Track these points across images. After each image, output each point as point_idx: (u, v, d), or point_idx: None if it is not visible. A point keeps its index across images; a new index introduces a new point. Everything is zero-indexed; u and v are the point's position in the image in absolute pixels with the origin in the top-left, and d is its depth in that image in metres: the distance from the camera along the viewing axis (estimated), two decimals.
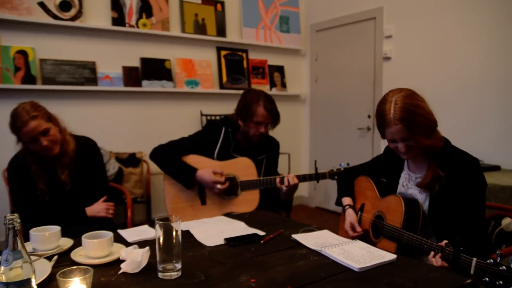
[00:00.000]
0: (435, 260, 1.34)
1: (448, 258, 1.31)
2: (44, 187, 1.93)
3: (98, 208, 2.02)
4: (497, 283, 1.11)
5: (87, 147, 2.10)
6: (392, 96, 1.50)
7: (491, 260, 1.14)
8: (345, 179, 2.00)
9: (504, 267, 1.10)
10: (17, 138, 1.89)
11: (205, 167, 2.29)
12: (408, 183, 1.68)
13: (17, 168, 1.95)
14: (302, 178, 2.30)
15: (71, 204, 1.99)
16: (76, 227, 1.75)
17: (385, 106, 1.50)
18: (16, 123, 1.82)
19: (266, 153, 2.45)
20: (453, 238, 1.33)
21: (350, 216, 1.80)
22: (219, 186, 2.22)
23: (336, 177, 2.27)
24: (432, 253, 1.38)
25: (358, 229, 1.75)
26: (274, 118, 2.30)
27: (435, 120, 1.50)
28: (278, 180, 2.25)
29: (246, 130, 2.31)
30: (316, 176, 2.32)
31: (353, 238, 1.69)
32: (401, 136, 1.48)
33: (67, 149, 1.97)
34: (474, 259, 1.20)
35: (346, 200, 1.89)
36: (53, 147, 1.90)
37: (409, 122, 1.44)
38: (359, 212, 1.85)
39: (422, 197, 1.61)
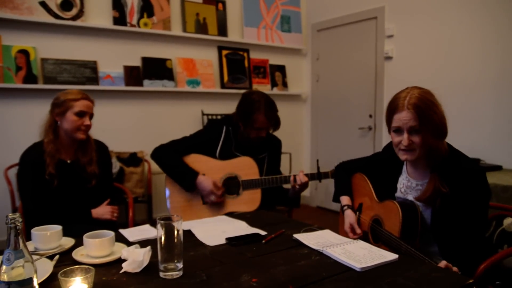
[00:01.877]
0: None
1: None
2: (53, 171, 1.92)
3: (103, 211, 2.04)
4: None
5: (100, 151, 2.13)
6: (411, 89, 1.49)
7: None
8: (342, 176, 1.94)
9: None
10: (56, 112, 1.93)
11: (207, 166, 2.29)
12: (407, 189, 1.63)
13: (31, 161, 1.93)
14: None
15: (75, 203, 1.99)
16: (81, 225, 1.75)
17: (401, 94, 1.49)
18: (71, 95, 1.93)
19: (268, 151, 2.45)
20: (453, 253, 1.29)
21: (349, 217, 1.76)
22: (212, 198, 2.23)
23: None
24: None
25: (358, 230, 1.71)
26: (275, 124, 2.33)
27: (446, 126, 1.47)
28: (292, 178, 2.26)
29: (246, 134, 2.32)
30: (318, 176, 2.32)
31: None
32: (409, 124, 1.43)
33: (90, 149, 2.04)
34: None
35: (345, 200, 1.85)
36: (86, 133, 1.99)
37: (421, 111, 1.41)
38: (357, 213, 1.82)
39: (423, 205, 1.55)
